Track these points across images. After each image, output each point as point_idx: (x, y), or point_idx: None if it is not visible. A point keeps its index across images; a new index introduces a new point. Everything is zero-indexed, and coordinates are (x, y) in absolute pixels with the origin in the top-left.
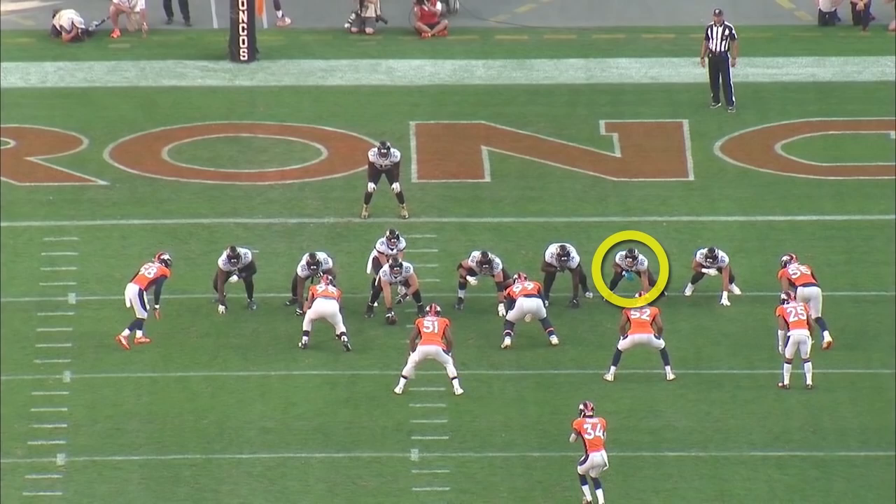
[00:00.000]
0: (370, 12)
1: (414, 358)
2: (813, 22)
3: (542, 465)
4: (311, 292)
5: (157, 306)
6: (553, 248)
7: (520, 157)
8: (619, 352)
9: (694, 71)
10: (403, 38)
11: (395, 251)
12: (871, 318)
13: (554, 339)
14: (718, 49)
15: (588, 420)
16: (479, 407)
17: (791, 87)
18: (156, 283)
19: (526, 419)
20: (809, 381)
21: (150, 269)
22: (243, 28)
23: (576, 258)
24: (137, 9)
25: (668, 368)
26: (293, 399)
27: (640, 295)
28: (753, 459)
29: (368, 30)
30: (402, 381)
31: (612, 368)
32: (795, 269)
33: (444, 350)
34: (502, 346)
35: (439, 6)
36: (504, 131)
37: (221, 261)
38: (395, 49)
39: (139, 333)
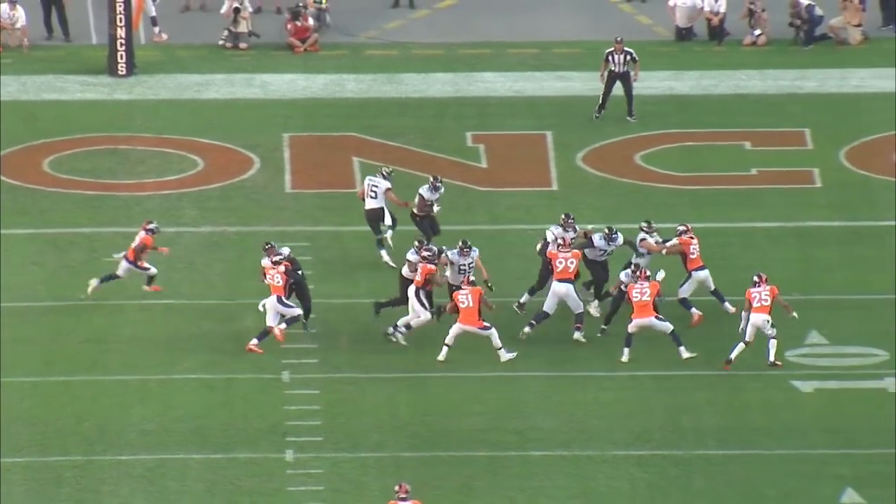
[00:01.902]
0: (243, 27)
1: (454, 332)
2: (671, 37)
3: (413, 464)
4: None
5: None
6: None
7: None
8: (629, 335)
9: (556, 84)
10: (276, 53)
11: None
12: (729, 321)
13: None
14: (620, 70)
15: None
16: (351, 409)
17: (650, 100)
18: (140, 251)
19: (397, 421)
20: (772, 358)
21: (135, 240)
22: (121, 44)
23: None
24: (18, 25)
25: (681, 349)
26: (171, 402)
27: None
28: (616, 458)
29: (242, 45)
30: (445, 349)
31: (626, 350)
32: (694, 250)
33: (479, 328)
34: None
35: (311, 21)
36: (375, 143)
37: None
38: (268, 64)
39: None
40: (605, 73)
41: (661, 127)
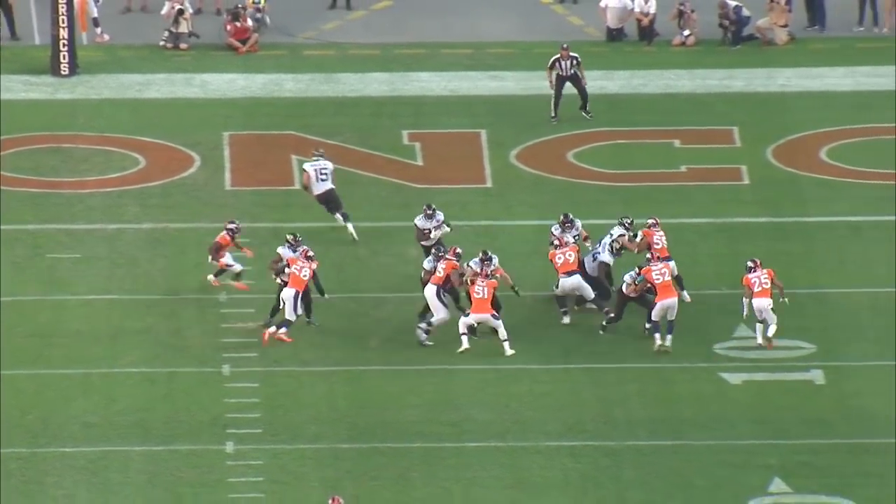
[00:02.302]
0: (183, 28)
1: (468, 322)
2: (602, 38)
3: (351, 455)
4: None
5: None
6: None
7: None
8: (655, 322)
9: (490, 84)
10: (216, 53)
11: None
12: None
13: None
14: (567, 74)
15: None
16: (290, 401)
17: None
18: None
19: (335, 412)
20: (771, 334)
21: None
22: (64, 44)
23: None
24: None
25: (669, 337)
26: (114, 395)
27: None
28: (549, 449)
29: (182, 45)
30: (464, 338)
31: (657, 336)
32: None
33: (493, 316)
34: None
35: (250, 22)
36: (312, 141)
37: None
38: (208, 63)
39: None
40: (553, 78)
41: (593, 125)
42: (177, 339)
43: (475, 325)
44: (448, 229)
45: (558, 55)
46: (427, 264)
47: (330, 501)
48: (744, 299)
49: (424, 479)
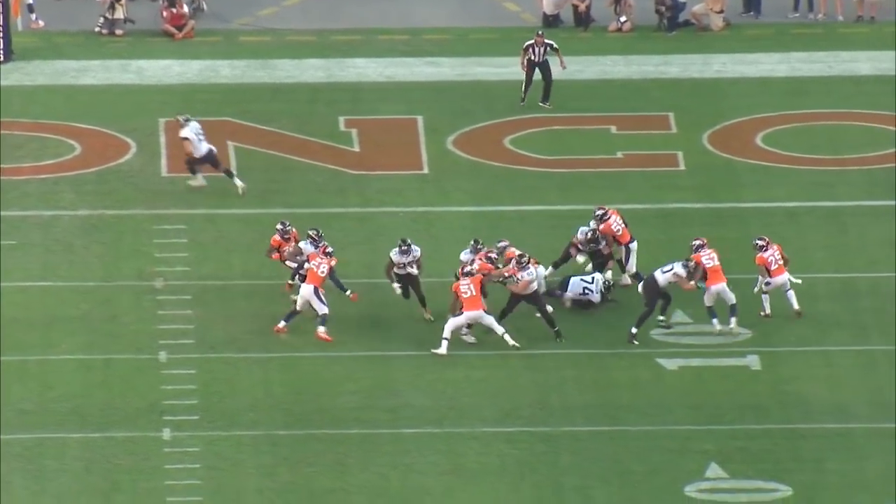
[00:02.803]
0: (119, 14)
1: (459, 321)
2: (538, 24)
3: (288, 442)
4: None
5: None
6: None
7: (264, 151)
8: (710, 308)
9: (427, 70)
10: (152, 39)
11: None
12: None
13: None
14: (539, 59)
15: None
16: (227, 388)
17: (518, 84)
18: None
19: (271, 399)
20: (797, 307)
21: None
22: None
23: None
24: None
25: (733, 320)
26: (50, 382)
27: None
28: (485, 435)
29: (118, 31)
30: (444, 342)
31: (716, 321)
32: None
33: (485, 311)
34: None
35: (186, 8)
36: (249, 127)
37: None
38: (143, 50)
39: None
40: (525, 62)
41: (529, 111)
42: (113, 325)
43: (466, 325)
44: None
45: (532, 40)
46: (464, 255)
47: None
48: (759, 278)
49: (361, 466)
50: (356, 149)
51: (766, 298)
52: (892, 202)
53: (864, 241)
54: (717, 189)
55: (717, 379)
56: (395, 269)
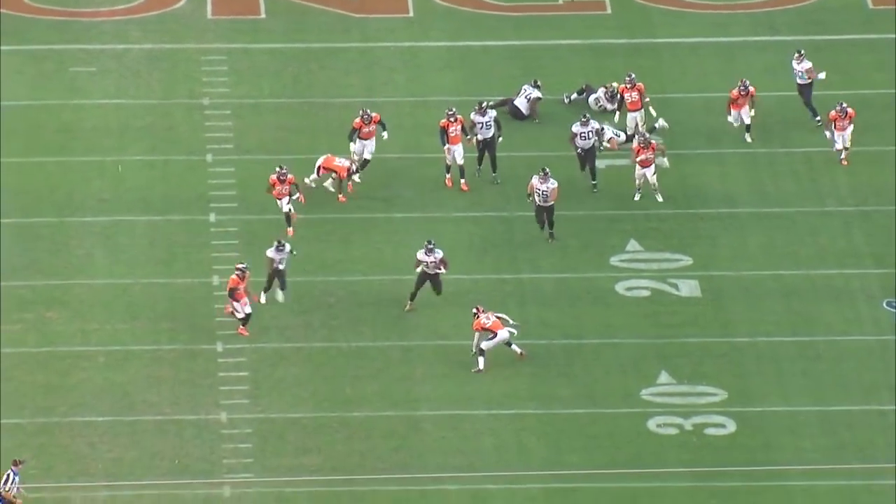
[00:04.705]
0: None
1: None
2: None
3: (304, 223)
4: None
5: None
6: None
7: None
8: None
9: None
10: None
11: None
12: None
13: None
14: None
15: None
16: (260, 182)
17: None
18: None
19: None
20: (848, 144)
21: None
22: None
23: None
24: None
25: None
26: (122, 178)
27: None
28: (457, 219)
29: None
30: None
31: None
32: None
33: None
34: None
35: None
36: None
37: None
38: None
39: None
40: None
41: None
42: (170, 133)
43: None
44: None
45: None
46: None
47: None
48: (826, 133)
49: (362, 242)
50: None
51: (837, 136)
52: (772, 38)
53: (751, 69)
54: (635, 28)
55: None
56: (425, 268)
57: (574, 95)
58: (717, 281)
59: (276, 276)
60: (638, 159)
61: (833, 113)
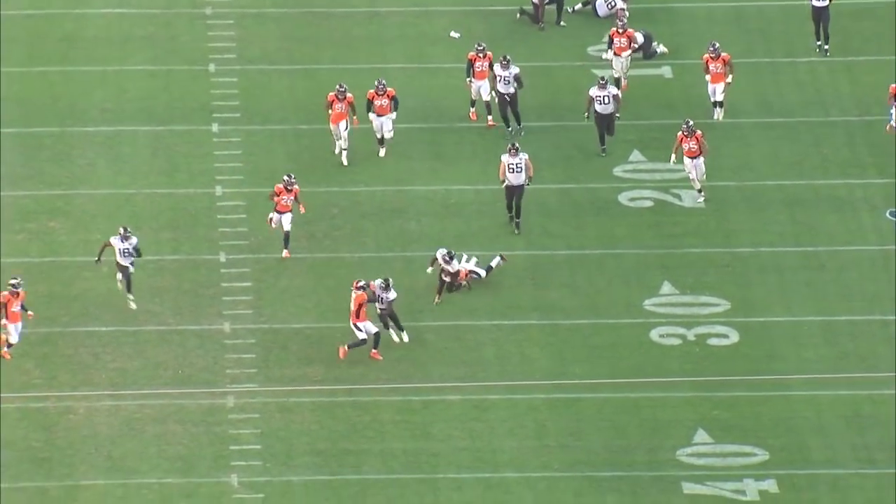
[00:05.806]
0: None
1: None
2: None
3: (309, 134)
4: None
5: None
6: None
7: None
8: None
9: None
10: None
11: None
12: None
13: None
14: None
15: None
16: (262, 92)
17: None
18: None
19: (295, 100)
20: (720, 98)
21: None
22: None
23: None
24: None
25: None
26: (125, 87)
27: None
28: (461, 129)
29: None
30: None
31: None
32: None
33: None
34: None
35: None
36: None
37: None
38: None
39: None
40: None
41: None
42: (173, 43)
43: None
44: (479, 273)
45: None
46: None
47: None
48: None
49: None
50: None
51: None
52: None
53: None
54: None
55: (638, 86)
56: (443, 276)
57: (578, 6)
58: (720, 191)
59: (119, 271)
60: (685, 148)
61: (706, 56)
